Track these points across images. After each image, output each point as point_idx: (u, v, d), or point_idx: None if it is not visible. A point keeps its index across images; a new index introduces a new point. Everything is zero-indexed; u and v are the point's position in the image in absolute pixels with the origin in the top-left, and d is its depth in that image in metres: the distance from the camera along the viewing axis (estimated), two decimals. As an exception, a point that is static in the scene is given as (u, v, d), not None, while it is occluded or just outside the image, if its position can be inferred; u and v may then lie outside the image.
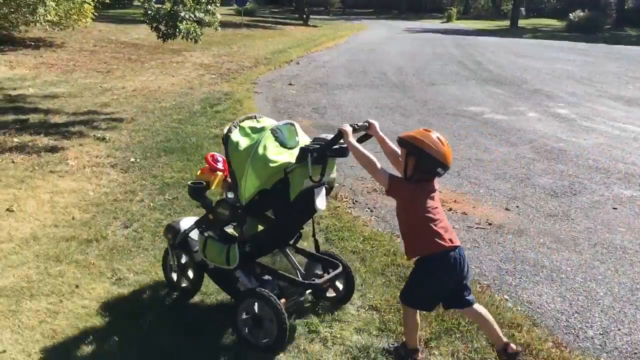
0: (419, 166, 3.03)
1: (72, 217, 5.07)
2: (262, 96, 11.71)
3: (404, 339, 3.33)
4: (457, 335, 3.57)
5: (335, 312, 3.79)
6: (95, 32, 21.67)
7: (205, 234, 3.58)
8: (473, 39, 30.22)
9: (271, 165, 3.15)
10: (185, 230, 3.77)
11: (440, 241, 3.01)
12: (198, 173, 3.76)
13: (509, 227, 5.45)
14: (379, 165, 3.12)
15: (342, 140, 3.17)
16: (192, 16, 9.25)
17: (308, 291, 3.68)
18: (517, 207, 5.99)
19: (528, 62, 19.55)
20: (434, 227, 3.02)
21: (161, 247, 4.45)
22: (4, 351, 3.19)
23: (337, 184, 6.40)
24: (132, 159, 6.81)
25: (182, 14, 9.13)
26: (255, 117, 3.46)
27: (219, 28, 10.13)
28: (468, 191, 6.42)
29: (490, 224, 5.51)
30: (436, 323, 3.69)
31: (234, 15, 36.56)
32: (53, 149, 6.94)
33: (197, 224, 3.68)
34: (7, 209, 5.08)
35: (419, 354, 3.30)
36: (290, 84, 13.32)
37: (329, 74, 15.12)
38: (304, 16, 40.10)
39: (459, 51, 22.96)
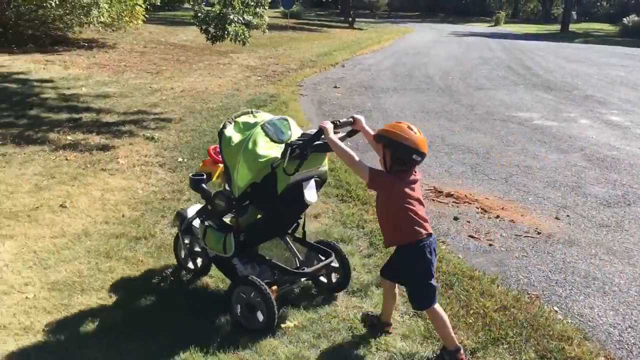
0: (396, 157, 3.15)
1: (122, 214, 5.18)
2: (307, 98, 11.75)
3: (443, 343, 3.31)
4: (505, 347, 3.49)
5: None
6: (146, 33, 22.17)
7: (206, 223, 3.77)
8: (522, 43, 29.66)
9: (260, 160, 3.30)
10: (189, 218, 3.98)
11: (420, 229, 3.17)
12: (200, 165, 3.90)
13: (559, 237, 5.30)
14: (357, 159, 3.22)
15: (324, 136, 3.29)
16: (241, 19, 9.36)
17: (303, 278, 3.85)
18: (568, 216, 5.82)
19: (579, 67, 19.06)
20: (414, 217, 3.16)
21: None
22: (57, 342, 3.28)
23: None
24: (180, 159, 6.92)
25: (231, 17, 9.25)
26: (252, 113, 3.63)
27: (267, 30, 10.21)
28: (516, 198, 6.28)
29: (539, 233, 5.38)
30: (483, 332, 3.62)
31: (280, 18, 36.88)
32: (104, 148, 7.11)
33: (198, 214, 3.88)
34: (61, 205, 5.23)
35: (462, 352, 3.25)
36: (336, 87, 13.33)
37: (374, 77, 15.07)
38: (350, 19, 40.13)
39: (507, 55, 22.57)
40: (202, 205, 3.90)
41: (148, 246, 4.56)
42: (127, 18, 18.09)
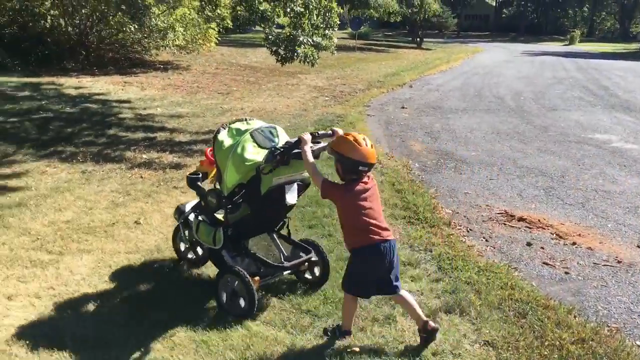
0: (345, 168, 3.44)
1: (192, 232, 5.29)
2: (375, 119, 11.73)
3: (341, 322, 3.70)
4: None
5: (449, 345, 3.64)
6: (218, 55, 22.87)
7: (199, 218, 4.19)
8: (598, 63, 28.62)
9: (246, 163, 3.68)
10: (186, 212, 4.37)
11: (370, 235, 3.40)
12: (198, 165, 4.27)
13: (641, 266, 5.01)
14: (317, 170, 3.56)
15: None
16: (310, 40, 9.48)
17: (286, 272, 4.19)
18: (651, 244, 5.51)
19: (661, 88, 18.17)
20: (364, 223, 3.41)
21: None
22: (131, 356, 3.37)
23: (450, 211, 6.29)
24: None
25: (301, 39, 9.38)
26: (246, 120, 4.02)
27: (335, 52, 10.29)
28: (594, 225, 5.99)
29: (619, 262, 5.09)
30: None
31: (348, 39, 37.19)
32: (177, 166, 7.33)
33: (192, 209, 4.31)
34: (135, 222, 5.40)
35: (351, 336, 3.66)
36: (403, 107, 13.25)
37: (443, 98, 14.89)
38: (418, 39, 39.99)
39: (583, 75, 21.82)
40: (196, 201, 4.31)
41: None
42: (200, 41, 18.76)
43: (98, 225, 5.28)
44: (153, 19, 16.08)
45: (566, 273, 4.84)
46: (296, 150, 3.66)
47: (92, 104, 11.09)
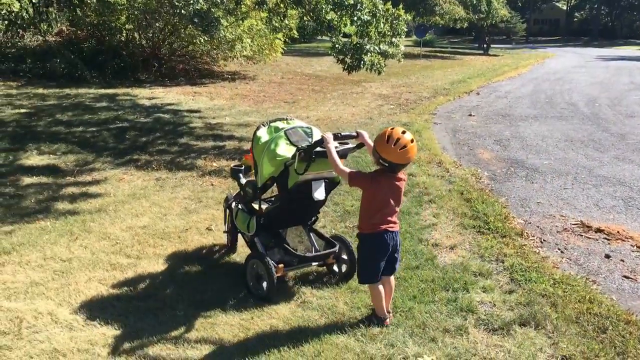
0: (378, 162, 3.67)
1: (262, 238, 5.38)
2: (441, 127, 11.58)
3: (375, 310, 3.97)
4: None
5: (524, 358, 3.54)
6: (283, 65, 23.22)
7: (239, 206, 4.63)
8: (679, 66, 27.18)
9: (277, 158, 4.00)
10: (230, 201, 4.82)
11: (380, 225, 3.73)
12: (243, 158, 4.70)
13: None
14: (340, 165, 3.79)
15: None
16: (377, 48, 9.47)
17: (314, 264, 4.49)
18: None
19: None
20: (379, 213, 3.73)
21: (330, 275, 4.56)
22: (202, 358, 3.45)
23: (522, 221, 6.12)
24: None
25: (367, 47, 9.38)
26: (286, 119, 4.36)
27: (402, 59, 10.24)
28: (678, 237, 5.68)
29: None
30: None
31: (413, 47, 36.95)
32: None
33: (234, 198, 4.78)
34: (207, 228, 5.55)
35: (388, 320, 3.93)
36: (470, 115, 13.02)
37: (512, 105, 14.53)
38: (485, 45, 39.22)
39: (663, 80, 20.79)
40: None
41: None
42: (267, 51, 19.10)
43: (172, 231, 5.46)
44: (222, 31, 16.51)
45: (649, 287, 4.61)
46: (320, 149, 3.88)
47: (165, 114, 11.49)
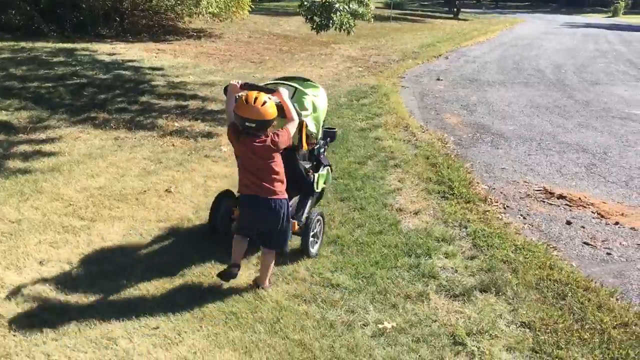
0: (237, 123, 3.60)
1: (223, 201, 5.23)
2: (409, 90, 11.47)
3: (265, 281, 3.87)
4: (625, 369, 3.17)
5: (484, 325, 3.53)
6: (251, 23, 22.63)
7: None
8: (643, 36, 27.49)
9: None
10: None
11: (240, 186, 3.74)
12: None
13: (688, 249, 4.78)
14: (227, 116, 3.79)
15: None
16: (347, 7, 9.25)
17: None
18: (699, 226, 5.26)
19: None
20: (241, 175, 3.72)
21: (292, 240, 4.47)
22: (157, 327, 3.34)
23: (486, 187, 6.11)
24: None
25: (337, 6, 9.15)
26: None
27: (372, 20, 10.02)
28: (638, 204, 5.75)
29: (664, 244, 4.89)
30: (600, 351, 3.33)
31: (383, 9, 36.49)
32: (208, 135, 7.27)
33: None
34: (166, 190, 5.37)
35: (238, 269, 3.78)
36: (439, 79, 12.93)
37: (480, 70, 14.49)
38: (455, 9, 38.97)
39: (628, 48, 21.00)
40: None
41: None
42: (234, 9, 18.54)
43: (129, 192, 5.26)
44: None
45: (608, 254, 4.66)
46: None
47: (125, 71, 11.07)
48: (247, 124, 3.49)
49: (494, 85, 12.39)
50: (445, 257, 4.45)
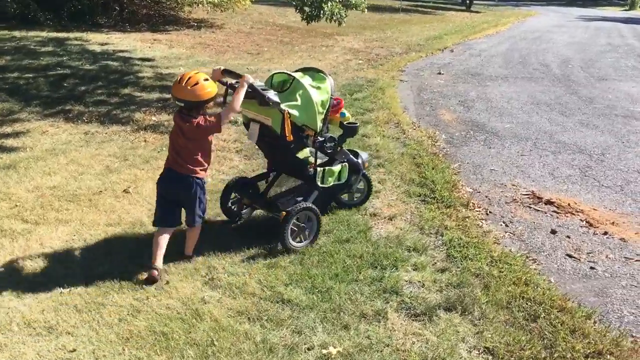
0: None
1: (184, 203, 4.91)
2: (407, 85, 11.06)
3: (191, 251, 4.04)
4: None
5: (442, 350, 3.18)
6: (256, 14, 22.26)
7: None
8: (659, 29, 26.72)
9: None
10: None
11: (166, 161, 3.91)
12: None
13: (682, 264, 4.38)
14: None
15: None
16: (338, -3, 8.86)
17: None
18: (696, 238, 4.85)
19: None
20: (168, 149, 3.90)
21: (260, 245, 4.14)
22: (74, 350, 3.02)
23: (471, 190, 5.73)
24: (258, 145, 6.61)
25: (328, -5, 8.77)
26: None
27: (366, 10, 9.62)
28: (631, 212, 5.34)
29: (656, 258, 4.49)
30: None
31: (393, 0, 35.92)
32: (185, 130, 6.94)
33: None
34: (124, 190, 5.05)
35: (157, 272, 3.70)
36: (440, 73, 12.50)
37: (484, 64, 14.02)
38: (467, 1, 38.26)
39: (641, 43, 20.36)
40: None
41: (201, 242, 4.24)
42: (235, -2, 18.18)
43: (84, 192, 4.96)
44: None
45: (592, 268, 4.27)
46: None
47: (114, 62, 10.77)
48: (177, 102, 3.66)
49: (496, 80, 11.93)
50: (414, 269, 4.10)
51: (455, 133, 7.80)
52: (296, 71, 4.38)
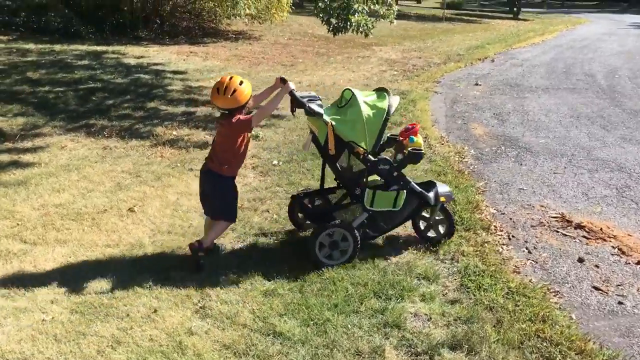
0: None
1: (190, 223, 4.77)
2: (441, 97, 10.71)
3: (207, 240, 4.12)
4: None
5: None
6: (295, 25, 22.25)
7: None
8: None
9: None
10: None
11: None
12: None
13: None
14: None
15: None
16: (366, 8, 8.63)
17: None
18: None
19: None
20: None
21: (251, 273, 3.94)
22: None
23: (495, 211, 5.38)
24: (275, 162, 6.43)
25: (355, 7, 8.55)
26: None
27: (395, 21, 9.34)
28: (672, 239, 4.89)
29: (695, 292, 4.05)
30: None
31: (438, 9, 35.43)
32: (203, 145, 6.83)
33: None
34: (129, 209, 4.94)
35: (203, 253, 4.04)
36: (477, 84, 12.08)
37: (525, 74, 13.50)
38: (515, 9, 37.35)
39: (697, 50, 19.30)
40: None
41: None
42: (273, 10, 18.17)
43: (89, 211, 4.87)
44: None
45: (620, 303, 3.88)
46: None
47: (146, 75, 10.82)
48: (219, 110, 4.02)
49: (536, 91, 11.43)
50: (421, 300, 3.81)
51: (486, 148, 7.43)
52: (373, 90, 4.33)
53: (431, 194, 4.38)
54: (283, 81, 4.18)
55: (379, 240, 4.58)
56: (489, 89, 11.59)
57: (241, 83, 3.87)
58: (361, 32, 8.61)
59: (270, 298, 3.74)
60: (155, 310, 3.52)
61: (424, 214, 4.61)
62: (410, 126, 4.42)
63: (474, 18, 33.75)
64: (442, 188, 4.53)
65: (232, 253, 4.35)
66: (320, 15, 8.87)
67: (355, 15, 8.48)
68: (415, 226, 4.64)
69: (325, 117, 4.02)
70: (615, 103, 10.34)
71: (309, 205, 4.67)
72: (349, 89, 4.20)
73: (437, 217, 4.60)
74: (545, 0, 50.93)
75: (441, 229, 4.65)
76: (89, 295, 3.66)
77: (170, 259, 4.17)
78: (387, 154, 4.54)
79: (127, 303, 3.58)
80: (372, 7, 8.69)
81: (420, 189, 4.36)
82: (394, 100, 4.19)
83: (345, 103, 4.17)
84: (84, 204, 5.00)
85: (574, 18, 37.28)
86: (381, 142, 4.30)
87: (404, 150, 4.32)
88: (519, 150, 7.35)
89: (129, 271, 3.96)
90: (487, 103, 10.24)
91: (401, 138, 4.39)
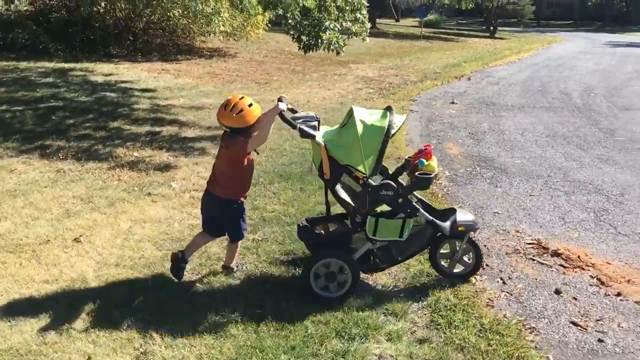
0: None
1: (141, 254, 4.41)
2: (416, 115, 10.50)
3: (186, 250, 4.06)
4: None
5: None
6: (272, 42, 22.06)
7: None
8: (691, 55, 25.72)
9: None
10: None
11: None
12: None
13: None
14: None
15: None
16: (337, 26, 8.40)
17: None
18: None
19: None
20: None
21: (203, 310, 3.58)
22: None
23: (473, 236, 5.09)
24: (239, 185, 6.10)
25: (327, 24, 8.32)
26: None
27: (367, 39, 9.13)
28: (652, 266, 4.66)
29: (679, 326, 3.80)
30: None
31: (416, 27, 35.60)
32: (165, 167, 6.49)
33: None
34: (75, 239, 4.57)
35: (184, 263, 4.01)
36: (453, 103, 11.91)
37: (501, 93, 13.39)
38: (492, 28, 37.72)
39: (671, 69, 19.47)
40: None
41: (146, 302, 3.72)
42: (249, 27, 17.96)
43: (31, 242, 4.48)
44: (200, 4, 15.37)
45: (600, 341, 3.60)
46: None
47: (112, 93, 10.46)
48: (223, 127, 3.83)
49: (512, 110, 11.28)
50: (387, 340, 3.51)
51: (460, 169, 7.19)
52: (382, 109, 3.91)
53: (446, 224, 3.96)
54: (280, 101, 3.89)
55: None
56: (465, 108, 11.43)
57: (250, 105, 3.72)
58: (332, 50, 8.37)
59: (222, 340, 3.40)
60: (89, 358, 3.16)
61: (443, 250, 4.22)
62: (424, 147, 4.08)
63: (452, 36, 34.00)
64: (463, 216, 4.09)
65: (185, 286, 4.00)
66: (291, 32, 8.63)
67: (327, 33, 8.24)
68: (433, 261, 4.22)
69: (318, 139, 3.68)
70: (591, 122, 10.20)
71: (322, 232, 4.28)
72: (352, 107, 3.85)
73: (460, 250, 4.16)
74: (521, 20, 51.55)
75: (466, 262, 4.23)
76: (15, 340, 3.28)
77: (115, 296, 3.80)
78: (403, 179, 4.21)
79: (58, 349, 3.21)
80: (344, 24, 8.44)
81: (431, 218, 3.95)
82: (397, 119, 3.79)
83: (346, 123, 3.84)
84: (26, 233, 4.62)
85: (550, 37, 37.76)
86: (398, 165, 4.12)
87: (416, 174, 3.97)
88: (494, 171, 7.12)
89: (65, 311, 3.59)
90: (462, 122, 10.04)
91: (413, 160, 4.03)
